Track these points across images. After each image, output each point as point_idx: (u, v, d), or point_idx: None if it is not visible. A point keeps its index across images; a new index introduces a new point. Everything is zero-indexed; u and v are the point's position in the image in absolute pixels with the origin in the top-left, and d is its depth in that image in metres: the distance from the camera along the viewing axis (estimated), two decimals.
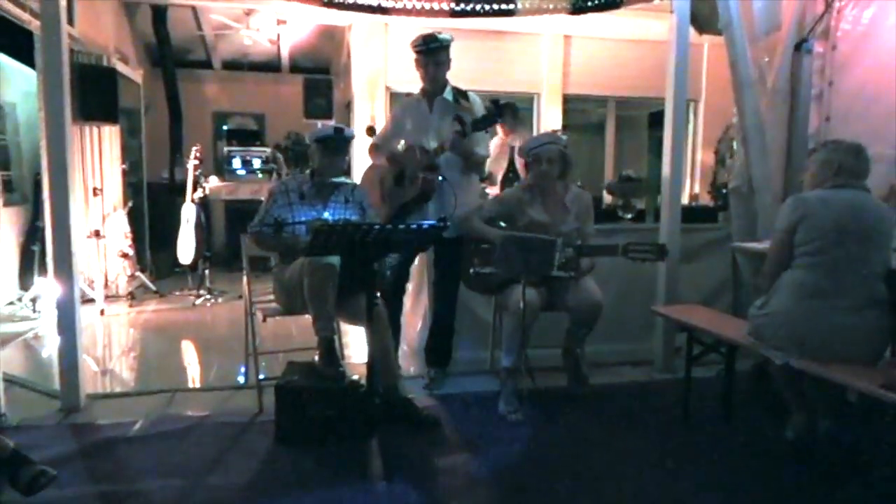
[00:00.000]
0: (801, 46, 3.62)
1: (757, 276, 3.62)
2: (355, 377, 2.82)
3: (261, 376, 3.16)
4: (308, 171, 3.30)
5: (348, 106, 7.12)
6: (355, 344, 3.94)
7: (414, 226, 2.57)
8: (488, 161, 3.81)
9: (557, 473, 2.55)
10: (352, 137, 3.26)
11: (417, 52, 3.30)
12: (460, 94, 3.38)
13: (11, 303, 5.22)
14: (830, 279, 2.42)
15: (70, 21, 5.31)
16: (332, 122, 3.68)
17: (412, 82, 3.50)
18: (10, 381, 3.36)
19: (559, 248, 2.88)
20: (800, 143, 3.67)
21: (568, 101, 6.83)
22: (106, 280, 5.56)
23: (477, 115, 3.23)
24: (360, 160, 5.95)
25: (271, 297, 3.30)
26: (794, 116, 3.70)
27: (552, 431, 2.93)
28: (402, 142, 3.53)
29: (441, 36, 3.26)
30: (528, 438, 2.85)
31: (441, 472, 2.58)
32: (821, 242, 2.45)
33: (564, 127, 6.77)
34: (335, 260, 2.76)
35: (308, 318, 2.89)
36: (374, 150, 3.51)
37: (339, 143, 3.17)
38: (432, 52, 3.27)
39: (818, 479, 2.52)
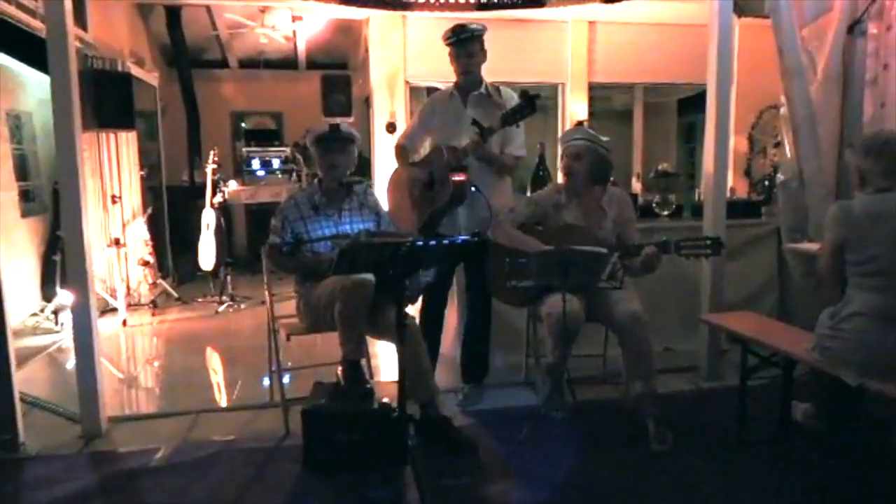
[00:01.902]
0: (854, 28, 3.35)
1: (809, 276, 3.41)
2: (385, 399, 2.66)
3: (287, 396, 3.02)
4: (316, 181, 3.13)
5: (367, 101, 6.95)
6: (385, 361, 3.79)
7: (446, 241, 2.39)
8: None
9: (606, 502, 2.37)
10: (350, 135, 3.03)
11: (448, 44, 3.14)
12: (494, 91, 3.20)
13: (34, 314, 5.16)
14: None
15: (83, 26, 5.22)
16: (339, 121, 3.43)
17: (432, 76, 3.31)
18: (30, 403, 3.27)
19: (613, 261, 2.66)
20: (853, 132, 3.42)
21: (594, 89, 6.59)
22: (128, 289, 5.48)
23: (495, 115, 3.02)
24: (380, 158, 5.81)
25: (293, 302, 3.13)
26: (846, 104, 3.44)
27: (598, 451, 2.74)
28: (428, 142, 3.36)
29: (472, 26, 3.08)
30: (573, 460, 2.66)
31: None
32: (883, 262, 2.24)
33: (590, 114, 6.55)
34: (370, 276, 2.59)
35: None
36: (401, 151, 3.32)
37: (336, 141, 2.98)
38: (462, 43, 3.09)
39: None
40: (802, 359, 2.49)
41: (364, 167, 5.92)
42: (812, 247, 3.14)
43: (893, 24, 3.37)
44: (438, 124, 3.25)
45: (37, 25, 4.38)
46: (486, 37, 3.18)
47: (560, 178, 3.21)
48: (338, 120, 6.50)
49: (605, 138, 3.04)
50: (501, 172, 3.20)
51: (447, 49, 3.17)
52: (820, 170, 3.39)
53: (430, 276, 2.98)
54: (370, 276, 2.60)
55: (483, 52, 3.16)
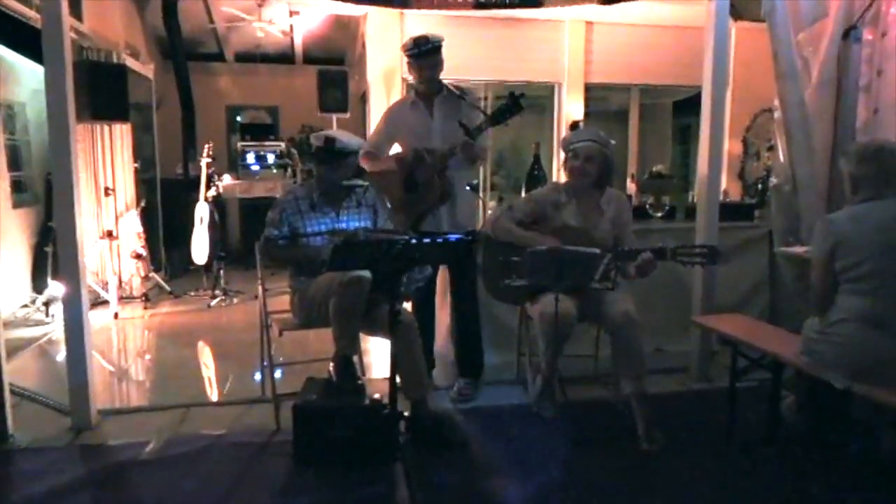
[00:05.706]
0: (849, 34, 3.37)
1: (800, 280, 3.42)
2: (377, 396, 2.66)
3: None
4: (314, 178, 3.13)
5: (363, 98, 6.94)
6: (376, 358, 3.79)
7: (440, 239, 2.39)
8: None
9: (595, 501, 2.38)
10: (344, 150, 2.97)
11: (410, 56, 3.20)
12: (458, 90, 3.28)
13: (25, 306, 5.13)
14: (890, 305, 2.22)
15: (78, 17, 5.19)
16: (332, 131, 3.22)
17: None
18: (20, 395, 3.26)
19: (606, 262, 2.67)
20: (847, 138, 3.43)
21: (590, 89, 6.61)
22: (120, 281, 5.46)
23: (474, 114, 3.16)
24: None
25: (287, 296, 3.14)
26: (840, 109, 3.45)
27: (587, 450, 2.74)
28: (397, 146, 3.38)
29: (433, 37, 3.16)
30: (563, 459, 2.66)
31: (473, 501, 2.41)
32: (867, 267, 2.25)
33: (586, 114, 6.57)
34: (367, 273, 2.59)
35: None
36: (369, 157, 3.33)
37: (330, 155, 2.95)
38: (426, 55, 3.16)
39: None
40: (791, 362, 2.50)
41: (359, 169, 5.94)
42: (803, 250, 3.16)
43: (888, 31, 3.39)
44: (406, 132, 3.31)
45: (31, 15, 4.35)
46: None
47: (561, 177, 3.23)
48: (334, 116, 6.53)
49: (612, 142, 3.06)
50: (474, 164, 3.38)
51: (406, 59, 3.24)
52: (813, 174, 3.40)
53: (426, 274, 2.99)
54: (367, 273, 2.60)
55: (442, 61, 3.24)
